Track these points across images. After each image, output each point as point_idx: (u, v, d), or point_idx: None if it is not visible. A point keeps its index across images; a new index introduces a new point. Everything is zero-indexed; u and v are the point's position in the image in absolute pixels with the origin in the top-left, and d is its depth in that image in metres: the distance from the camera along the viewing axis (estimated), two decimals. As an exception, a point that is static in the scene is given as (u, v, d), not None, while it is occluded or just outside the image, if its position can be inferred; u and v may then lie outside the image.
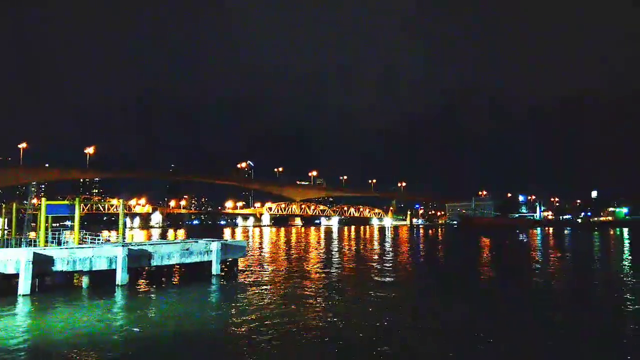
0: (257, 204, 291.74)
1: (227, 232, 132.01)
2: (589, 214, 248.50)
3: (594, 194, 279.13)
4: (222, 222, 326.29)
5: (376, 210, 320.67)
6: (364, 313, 16.84)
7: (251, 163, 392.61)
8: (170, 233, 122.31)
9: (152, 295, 21.43)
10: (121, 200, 36.75)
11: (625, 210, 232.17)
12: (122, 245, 24.19)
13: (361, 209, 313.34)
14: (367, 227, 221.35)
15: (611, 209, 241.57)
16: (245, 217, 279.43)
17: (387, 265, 35.00)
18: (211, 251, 26.76)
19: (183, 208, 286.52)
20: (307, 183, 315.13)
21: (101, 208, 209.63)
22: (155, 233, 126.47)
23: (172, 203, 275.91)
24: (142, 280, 25.34)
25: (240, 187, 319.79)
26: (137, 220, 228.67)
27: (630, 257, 42.45)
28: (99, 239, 32.32)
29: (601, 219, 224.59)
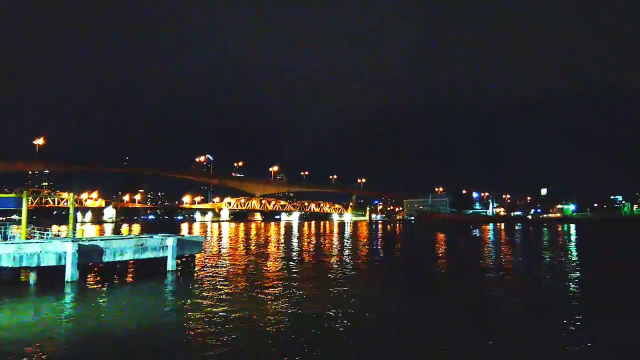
0: (216, 199, 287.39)
1: (184, 227, 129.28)
2: (539, 210, 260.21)
3: (544, 191, 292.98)
4: (179, 217, 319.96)
5: (336, 206, 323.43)
6: (322, 308, 16.91)
7: (210, 157, 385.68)
8: (124, 228, 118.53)
9: (103, 292, 20.67)
10: (71, 194, 35.27)
11: (572, 207, 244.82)
12: (72, 241, 23.20)
13: (322, 205, 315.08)
14: (328, 222, 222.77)
15: (559, 206, 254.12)
16: (204, 212, 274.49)
17: (346, 259, 35.37)
18: (167, 247, 26.11)
19: (138, 202, 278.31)
20: (268, 178, 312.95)
21: (51, 202, 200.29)
22: (108, 228, 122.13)
23: (127, 197, 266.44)
24: (93, 277, 24.40)
25: (199, 181, 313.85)
26: (89, 214, 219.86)
27: (575, 251, 44.99)
28: (47, 234, 30.89)
29: (550, 215, 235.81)
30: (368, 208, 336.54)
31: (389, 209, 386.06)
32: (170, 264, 26.01)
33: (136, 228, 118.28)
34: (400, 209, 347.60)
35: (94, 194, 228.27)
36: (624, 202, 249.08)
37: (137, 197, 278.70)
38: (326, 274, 26.67)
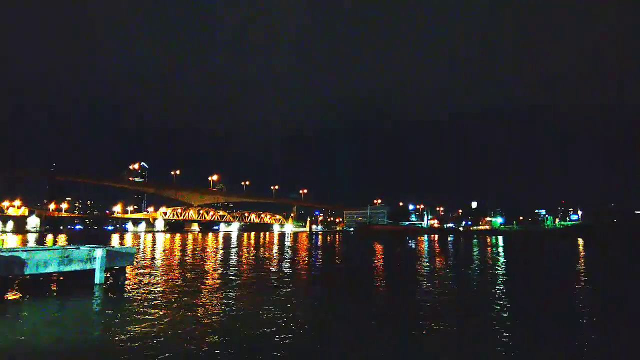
0: (150, 209, 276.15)
1: (115, 238, 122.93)
2: (470, 222, 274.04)
3: (474, 204, 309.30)
4: (110, 228, 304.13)
5: (277, 217, 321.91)
6: (259, 321, 16.74)
7: (145, 165, 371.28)
8: (49, 238, 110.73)
9: (24, 307, 19.17)
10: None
11: (500, 220, 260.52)
12: (-13, 252, 21.35)
13: (262, 215, 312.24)
14: (268, 233, 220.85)
15: (488, 218, 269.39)
16: (137, 222, 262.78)
17: (285, 270, 35.23)
18: (95, 258, 24.69)
19: (65, 211, 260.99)
20: (206, 188, 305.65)
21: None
22: (32, 238, 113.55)
23: (52, 206, 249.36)
24: (13, 291, 22.56)
25: (133, 190, 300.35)
26: (10, 223, 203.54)
27: (504, 261, 47.77)
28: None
29: (480, 227, 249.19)
30: (309, 219, 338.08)
31: (329, 220, 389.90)
32: (98, 277, 24.61)
33: (62, 238, 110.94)
34: (340, 220, 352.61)
35: (17, 202, 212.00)
36: (547, 215, 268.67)
37: (64, 205, 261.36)
38: (266, 285, 26.42)
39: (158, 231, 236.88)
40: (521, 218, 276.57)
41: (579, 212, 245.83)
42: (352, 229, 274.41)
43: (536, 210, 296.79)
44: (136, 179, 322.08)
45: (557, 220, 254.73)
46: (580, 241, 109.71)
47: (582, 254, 62.79)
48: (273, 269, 36.07)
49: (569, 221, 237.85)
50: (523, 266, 44.61)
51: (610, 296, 24.59)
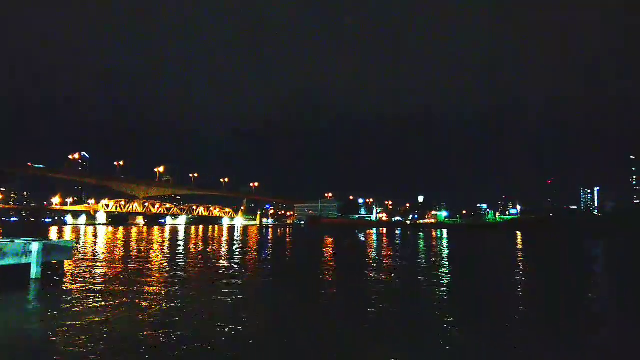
0: (92, 201, 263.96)
1: (53, 231, 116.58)
2: (416, 216, 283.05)
3: (421, 198, 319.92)
4: (48, 220, 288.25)
5: (227, 210, 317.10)
6: (205, 316, 16.48)
7: (86, 154, 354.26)
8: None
9: (-53, 306, 17.81)
10: None
11: (445, 213, 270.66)
12: None
13: (211, 208, 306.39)
14: (217, 226, 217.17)
15: (434, 212, 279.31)
16: (77, 214, 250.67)
17: (234, 264, 34.83)
18: (30, 252, 23.31)
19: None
20: (152, 179, 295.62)
21: None
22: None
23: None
24: None
25: (73, 180, 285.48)
26: None
27: (447, 252, 49.79)
28: None
29: (426, 221, 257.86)
30: (259, 212, 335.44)
31: (280, 213, 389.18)
32: (35, 272, 23.27)
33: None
34: (291, 213, 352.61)
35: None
36: (488, 210, 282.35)
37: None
38: (211, 279, 26.00)
39: (100, 224, 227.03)
40: (464, 212, 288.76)
41: (518, 207, 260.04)
42: (302, 222, 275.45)
43: (478, 205, 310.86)
44: (77, 169, 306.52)
45: (497, 214, 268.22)
46: (519, 234, 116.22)
47: (519, 246, 66.66)
48: (220, 263, 35.55)
49: (509, 215, 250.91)
50: (463, 256, 46.94)
51: (532, 279, 26.37)
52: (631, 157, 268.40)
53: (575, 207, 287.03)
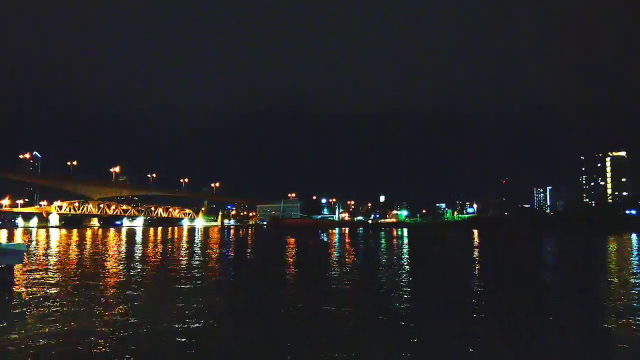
0: (44, 202, 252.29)
1: (2, 233, 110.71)
2: (378, 215, 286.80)
3: (382, 198, 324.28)
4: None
5: (187, 211, 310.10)
6: (162, 322, 15.92)
7: (37, 154, 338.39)
8: None
9: None
10: None
11: (405, 212, 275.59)
12: None
13: (170, 209, 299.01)
14: (177, 228, 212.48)
15: (395, 211, 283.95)
16: (28, 216, 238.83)
17: (193, 266, 34.06)
18: (-28, 257, 22.03)
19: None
20: (108, 180, 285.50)
21: None
22: None
23: None
24: None
25: (23, 181, 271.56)
26: None
27: (407, 250, 50.83)
28: None
29: (387, 220, 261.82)
30: (220, 213, 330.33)
31: (242, 213, 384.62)
32: (-23, 278, 22.01)
33: None
34: (254, 214, 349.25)
35: None
36: (446, 209, 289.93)
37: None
38: (169, 283, 25.13)
39: (52, 226, 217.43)
40: (424, 211, 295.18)
41: (474, 206, 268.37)
42: (265, 223, 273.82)
43: (437, 204, 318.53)
44: (29, 170, 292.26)
45: (455, 213, 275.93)
46: (475, 231, 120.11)
47: (475, 242, 68.88)
48: (179, 266, 34.65)
49: (466, 214, 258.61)
50: (421, 253, 48.30)
51: (484, 269, 27.43)
52: (581, 157, 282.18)
53: (529, 206, 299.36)
